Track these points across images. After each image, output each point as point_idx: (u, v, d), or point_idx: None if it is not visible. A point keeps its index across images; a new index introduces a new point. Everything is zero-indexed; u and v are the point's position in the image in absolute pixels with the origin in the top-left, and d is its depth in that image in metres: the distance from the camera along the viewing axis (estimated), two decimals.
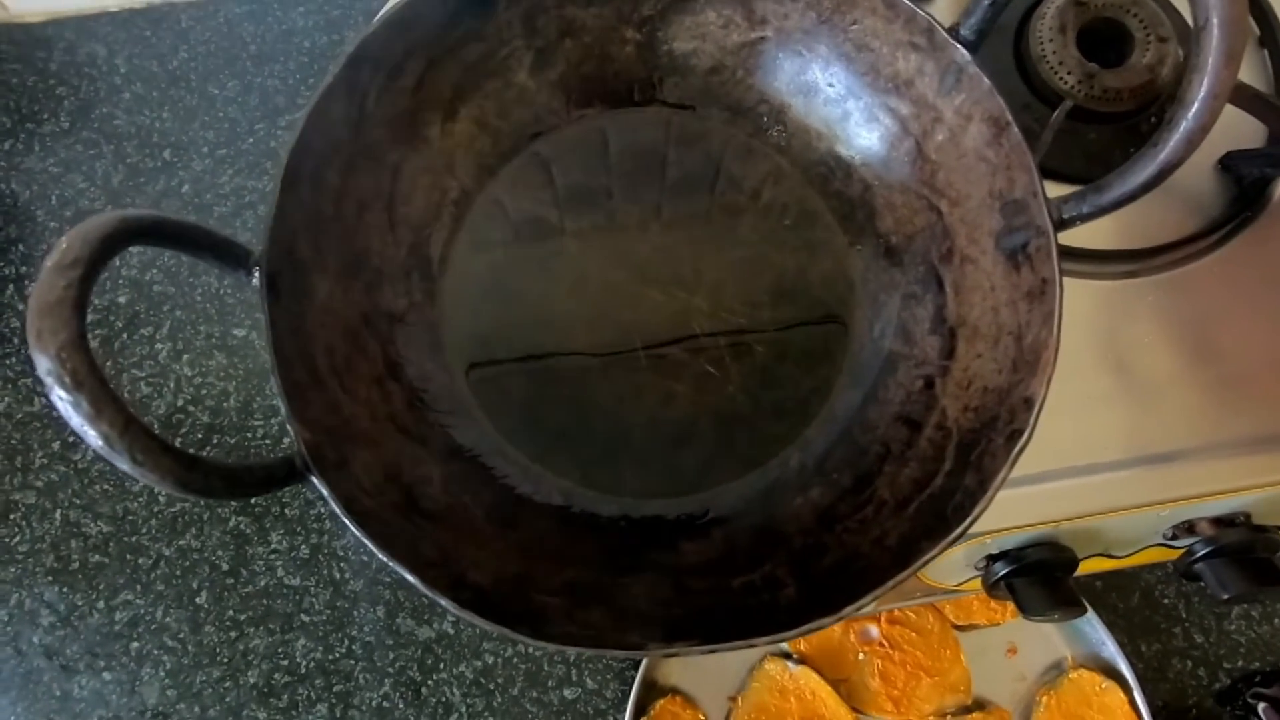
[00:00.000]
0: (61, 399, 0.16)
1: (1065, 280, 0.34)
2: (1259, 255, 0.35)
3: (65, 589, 0.45)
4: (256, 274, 0.23)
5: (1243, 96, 0.34)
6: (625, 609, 0.23)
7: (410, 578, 0.21)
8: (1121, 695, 0.41)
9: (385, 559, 0.21)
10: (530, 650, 0.45)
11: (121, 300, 0.49)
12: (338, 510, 0.21)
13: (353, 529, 0.21)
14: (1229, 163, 0.36)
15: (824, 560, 0.24)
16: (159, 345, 0.49)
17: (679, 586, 0.25)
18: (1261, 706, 0.42)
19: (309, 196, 0.25)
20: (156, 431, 0.18)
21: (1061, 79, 0.36)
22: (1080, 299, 0.34)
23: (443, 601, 0.20)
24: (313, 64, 0.54)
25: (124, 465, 0.17)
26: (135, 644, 0.44)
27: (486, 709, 0.44)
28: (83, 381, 0.16)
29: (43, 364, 0.16)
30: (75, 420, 0.16)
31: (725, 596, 0.24)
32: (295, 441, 0.22)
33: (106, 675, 0.44)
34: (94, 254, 0.18)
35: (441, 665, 0.44)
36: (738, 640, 0.20)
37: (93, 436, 0.16)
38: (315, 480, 0.21)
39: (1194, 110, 0.20)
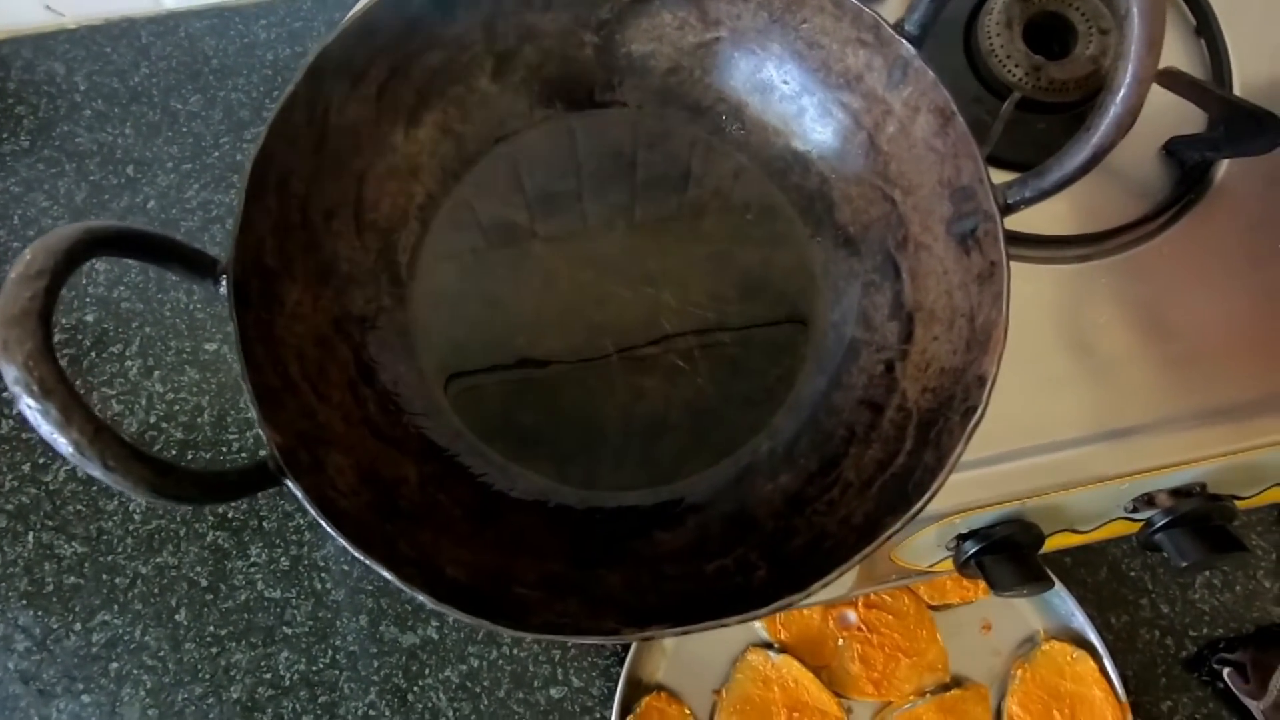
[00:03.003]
0: (30, 407, 0.16)
1: (1025, 266, 0.36)
2: (1203, 235, 0.36)
3: (40, 612, 0.44)
4: (224, 282, 0.24)
5: (1180, 83, 0.36)
6: (602, 598, 0.24)
7: (388, 575, 0.21)
8: (1092, 664, 0.43)
9: (362, 558, 0.21)
10: (515, 651, 0.45)
11: (89, 319, 0.49)
12: (313, 511, 0.21)
13: (329, 529, 0.21)
14: (1172, 148, 0.37)
15: (794, 542, 0.25)
16: (129, 363, 0.48)
17: (654, 574, 0.25)
18: (1226, 671, 0.44)
19: (275, 205, 0.26)
20: None
21: (1010, 72, 0.37)
22: (1038, 283, 0.35)
23: (421, 596, 0.21)
24: (276, 76, 0.54)
25: (96, 472, 0.17)
26: (114, 665, 0.44)
27: (473, 712, 0.44)
28: (51, 389, 0.16)
29: (10, 373, 0.16)
30: (45, 428, 0.16)
31: (699, 581, 0.25)
32: (268, 445, 0.22)
33: (85, 698, 0.43)
34: (58, 264, 0.18)
35: (427, 671, 0.44)
36: (711, 620, 0.21)
37: (63, 444, 0.17)
38: (289, 483, 0.22)
39: (1121, 95, 0.21)
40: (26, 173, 0.51)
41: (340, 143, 0.28)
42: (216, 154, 0.52)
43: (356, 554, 0.21)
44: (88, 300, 0.49)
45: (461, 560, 0.24)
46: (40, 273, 0.17)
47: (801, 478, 0.27)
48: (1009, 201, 0.25)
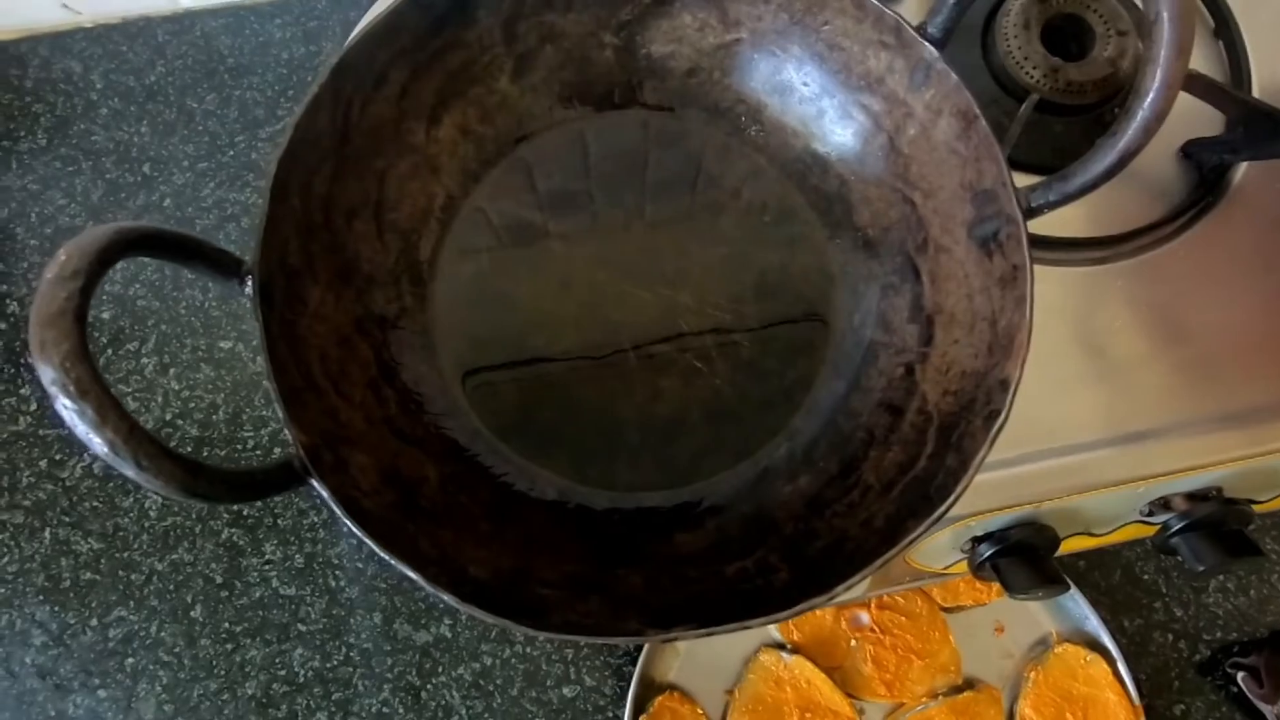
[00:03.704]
0: (66, 408, 0.16)
1: (1039, 268, 0.36)
2: (1221, 239, 0.36)
3: (57, 608, 0.45)
4: (249, 283, 0.24)
5: (1199, 86, 0.36)
6: (623, 598, 0.24)
7: (412, 574, 0.21)
8: (1105, 667, 0.43)
9: (386, 557, 0.21)
10: (528, 650, 0.45)
11: (105, 316, 0.49)
12: (338, 511, 0.21)
13: (353, 529, 0.21)
14: (1190, 151, 0.37)
15: (815, 544, 0.25)
16: (145, 360, 0.49)
17: (675, 575, 0.25)
18: (1240, 676, 0.44)
19: (298, 205, 0.26)
20: None
21: (1027, 74, 0.37)
22: (1054, 286, 0.35)
23: (445, 596, 0.21)
24: (291, 76, 0.54)
25: (129, 472, 0.17)
26: (130, 660, 0.44)
27: (486, 710, 0.44)
28: (87, 390, 0.17)
29: (47, 374, 0.17)
30: (80, 428, 0.17)
31: (720, 583, 0.25)
32: (294, 445, 0.22)
33: (102, 693, 0.44)
34: (92, 265, 0.18)
35: (440, 669, 0.45)
36: (734, 622, 0.21)
37: (98, 444, 0.17)
38: (314, 483, 0.22)
39: (1149, 100, 0.21)
40: (44, 170, 0.51)
41: (362, 143, 0.28)
42: (232, 152, 0.52)
43: (382, 553, 0.21)
44: (104, 298, 0.49)
45: (483, 560, 0.24)
46: (75, 273, 0.17)
47: (821, 480, 0.27)
48: (1032, 205, 0.25)
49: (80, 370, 0.17)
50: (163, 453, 0.18)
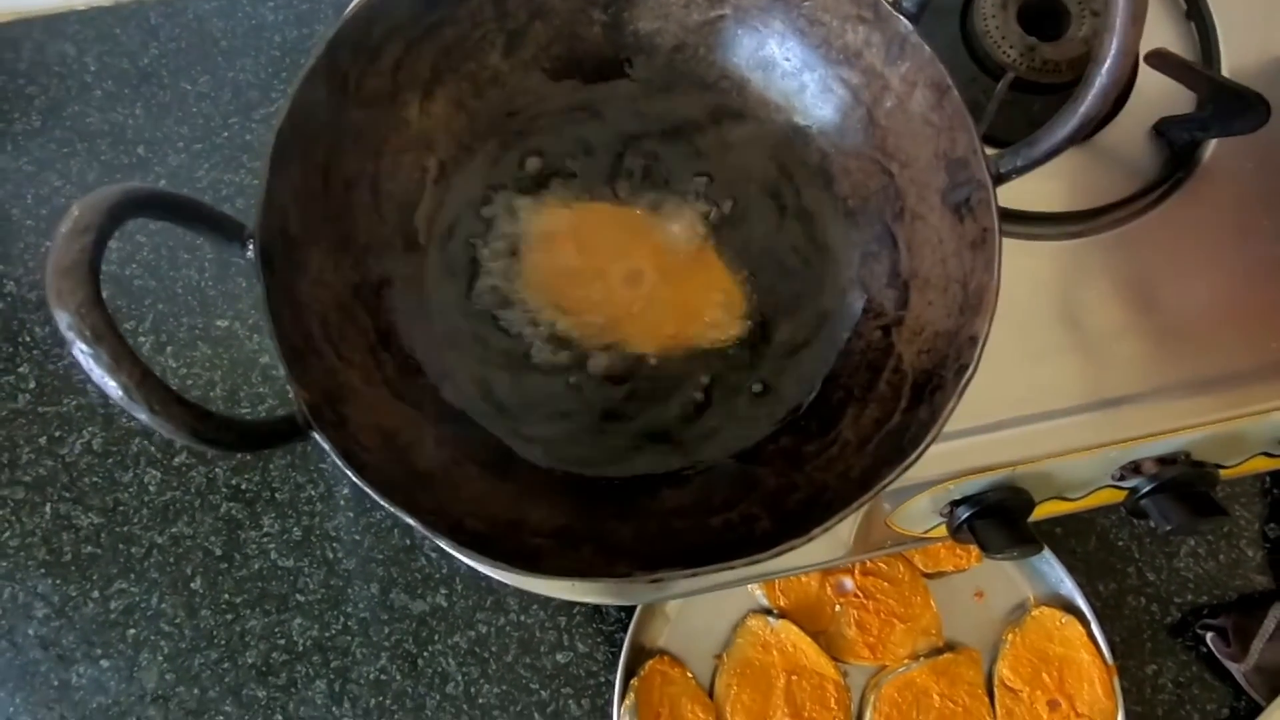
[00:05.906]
0: (83, 352, 0.17)
1: (1019, 242, 0.37)
2: (1192, 213, 0.37)
3: (58, 581, 0.46)
4: (251, 247, 0.25)
5: (1171, 65, 0.37)
6: (613, 547, 0.25)
7: (411, 521, 0.22)
8: (1080, 629, 0.44)
9: (387, 504, 0.22)
10: (522, 618, 0.46)
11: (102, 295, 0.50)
12: (339, 462, 0.22)
13: (354, 477, 0.22)
14: (1162, 128, 0.38)
15: (794, 496, 0.26)
16: (141, 339, 0.49)
17: (663, 526, 0.26)
18: (1209, 636, 0.45)
19: (297, 174, 0.27)
20: None
21: (1004, 53, 0.38)
22: (1032, 259, 0.36)
23: (443, 542, 0.22)
24: (284, 58, 0.54)
25: (142, 415, 0.18)
26: (131, 631, 0.45)
27: (482, 676, 0.45)
28: (102, 335, 0.17)
29: (63, 320, 0.17)
30: (96, 372, 0.18)
31: (706, 534, 0.26)
32: (296, 402, 0.23)
33: (104, 663, 0.45)
34: (104, 221, 0.19)
35: (436, 637, 0.46)
36: (718, 563, 0.22)
37: (113, 387, 0.18)
38: (317, 435, 0.23)
39: (1106, 66, 0.22)
40: (39, 152, 0.52)
41: (358, 115, 0.29)
42: (226, 134, 0.53)
43: (382, 501, 0.22)
44: (100, 277, 0.50)
45: (479, 513, 0.25)
46: (88, 228, 0.18)
47: (802, 438, 0.28)
48: (1001, 171, 0.26)
49: (95, 317, 0.17)
50: (174, 398, 0.19)
